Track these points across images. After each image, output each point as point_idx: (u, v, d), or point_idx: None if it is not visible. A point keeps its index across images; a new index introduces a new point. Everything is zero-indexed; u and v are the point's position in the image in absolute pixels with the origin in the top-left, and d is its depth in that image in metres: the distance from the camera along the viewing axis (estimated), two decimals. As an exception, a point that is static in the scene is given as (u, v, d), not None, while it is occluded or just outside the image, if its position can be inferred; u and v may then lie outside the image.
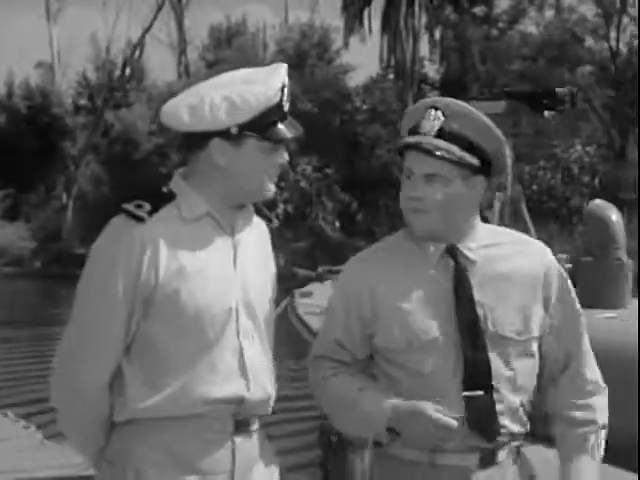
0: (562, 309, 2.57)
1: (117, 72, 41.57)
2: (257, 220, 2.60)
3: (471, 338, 2.44)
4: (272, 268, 2.63)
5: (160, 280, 2.34)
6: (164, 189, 2.46)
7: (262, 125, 2.39)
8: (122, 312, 2.34)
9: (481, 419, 2.44)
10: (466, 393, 2.43)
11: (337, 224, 31.67)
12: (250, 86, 2.38)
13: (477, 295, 2.47)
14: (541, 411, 2.63)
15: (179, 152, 32.81)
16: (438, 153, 2.41)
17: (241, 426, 2.43)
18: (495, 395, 2.45)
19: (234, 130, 2.37)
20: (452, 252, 2.50)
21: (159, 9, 40.57)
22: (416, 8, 31.52)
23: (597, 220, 6.82)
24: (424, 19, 32.05)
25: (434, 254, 2.50)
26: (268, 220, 2.66)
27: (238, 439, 2.42)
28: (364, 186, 32.38)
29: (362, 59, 55.58)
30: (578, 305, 2.61)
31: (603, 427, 2.58)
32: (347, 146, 33.50)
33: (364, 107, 35.31)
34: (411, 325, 2.47)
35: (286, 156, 2.49)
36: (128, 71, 41.40)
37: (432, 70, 37.38)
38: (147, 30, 40.75)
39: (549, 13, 32.89)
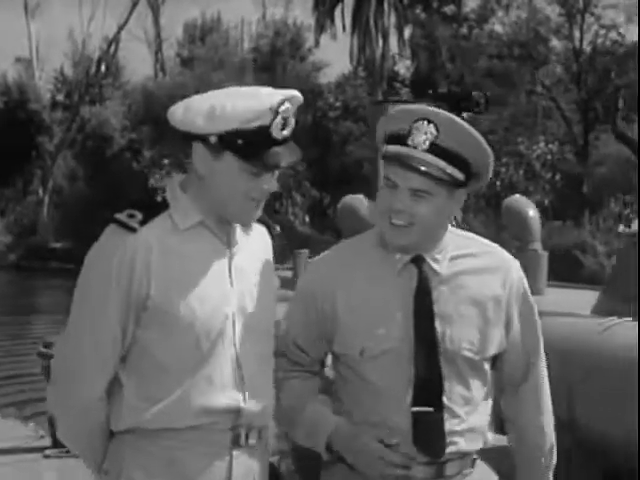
0: (523, 322, 2.51)
1: (93, 68, 41.68)
2: (258, 228, 2.56)
3: (425, 352, 2.38)
4: (273, 276, 2.56)
5: (152, 289, 2.30)
6: (159, 197, 2.42)
7: (244, 144, 2.30)
8: (116, 322, 2.32)
9: (427, 436, 2.38)
10: (415, 409, 2.37)
11: (307, 219, 32.04)
12: (241, 99, 2.32)
13: (437, 309, 2.40)
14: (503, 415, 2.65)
15: (151, 149, 33.20)
16: (433, 172, 2.33)
17: (239, 439, 2.38)
18: (447, 413, 2.39)
19: (213, 139, 2.30)
20: (417, 262, 2.43)
21: (134, 5, 40.79)
22: (385, 7, 31.94)
23: (515, 214, 7.40)
24: (394, 18, 32.47)
25: (399, 263, 2.43)
26: (269, 227, 2.61)
27: (236, 452, 2.38)
28: (336, 182, 32.74)
29: (334, 56, 55.97)
30: (537, 316, 2.57)
31: (552, 447, 2.63)
32: (319, 143, 33.84)
33: (336, 104, 35.70)
34: (366, 333, 2.41)
35: (274, 184, 2.39)
36: (103, 67, 41.42)
37: (403, 68, 37.87)
38: (122, 26, 40.92)
39: (515, 13, 33.39)
